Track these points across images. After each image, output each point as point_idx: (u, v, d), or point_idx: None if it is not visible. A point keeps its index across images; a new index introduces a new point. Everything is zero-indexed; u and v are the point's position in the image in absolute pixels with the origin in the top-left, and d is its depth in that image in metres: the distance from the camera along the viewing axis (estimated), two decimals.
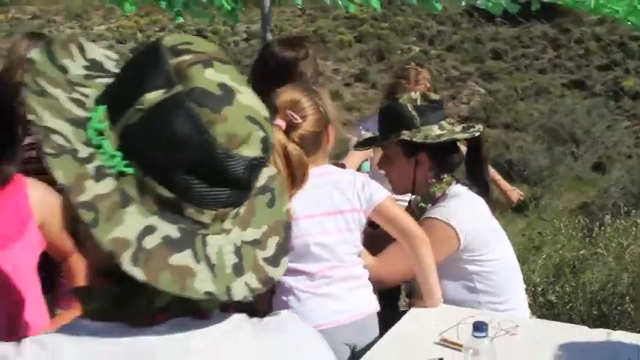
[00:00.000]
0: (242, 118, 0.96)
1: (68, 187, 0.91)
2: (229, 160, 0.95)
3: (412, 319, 2.61)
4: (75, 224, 1.04)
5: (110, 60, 1.11)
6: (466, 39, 33.18)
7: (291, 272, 2.40)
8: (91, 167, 0.93)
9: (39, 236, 1.84)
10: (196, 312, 1.02)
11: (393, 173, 2.99)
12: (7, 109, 1.66)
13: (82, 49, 1.09)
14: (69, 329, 0.97)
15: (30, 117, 0.94)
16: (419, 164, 2.90)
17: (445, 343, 2.35)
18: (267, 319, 1.17)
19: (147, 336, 0.97)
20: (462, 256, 2.80)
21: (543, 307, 5.11)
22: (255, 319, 1.12)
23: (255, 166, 1.00)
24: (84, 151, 0.94)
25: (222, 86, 0.96)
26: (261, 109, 1.01)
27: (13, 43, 3.21)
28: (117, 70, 1.09)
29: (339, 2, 4.74)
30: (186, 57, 0.97)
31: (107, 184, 0.93)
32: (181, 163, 0.93)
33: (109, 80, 1.05)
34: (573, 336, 2.45)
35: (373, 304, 2.58)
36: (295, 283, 2.44)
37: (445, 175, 2.91)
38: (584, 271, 5.27)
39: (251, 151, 0.97)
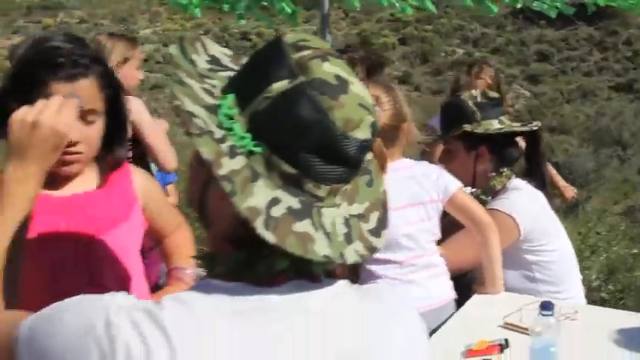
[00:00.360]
0: (355, 105, 1.12)
1: (209, 162, 1.07)
2: (345, 141, 1.10)
3: (475, 305, 2.74)
4: (203, 197, 1.20)
5: (226, 56, 1.28)
6: (511, 41, 33.02)
7: (380, 262, 2.56)
8: (225, 146, 1.09)
9: (142, 218, 2.01)
10: (309, 276, 1.17)
11: (454, 167, 3.11)
12: (118, 98, 1.84)
13: (204, 46, 1.26)
14: (201, 288, 1.13)
15: (176, 102, 1.12)
16: (479, 158, 3.03)
17: (509, 326, 2.47)
18: (366, 286, 1.33)
19: (269, 295, 1.12)
20: (522, 246, 2.93)
21: (596, 304, 5.17)
22: (355, 286, 1.27)
23: (365, 147, 1.15)
24: (218, 133, 1.10)
25: (338, 77, 1.11)
26: (369, 98, 1.16)
27: (98, 41, 3.47)
28: (232, 65, 1.25)
29: (396, 4, 4.88)
30: (306, 52, 1.12)
31: (239, 161, 1.08)
32: (304, 143, 1.08)
33: (230, 73, 1.22)
34: (631, 322, 2.54)
35: (451, 292, 2.73)
36: (384, 271, 2.60)
37: (505, 169, 3.03)
38: (635, 269, 5.33)
39: (362, 133, 1.12)
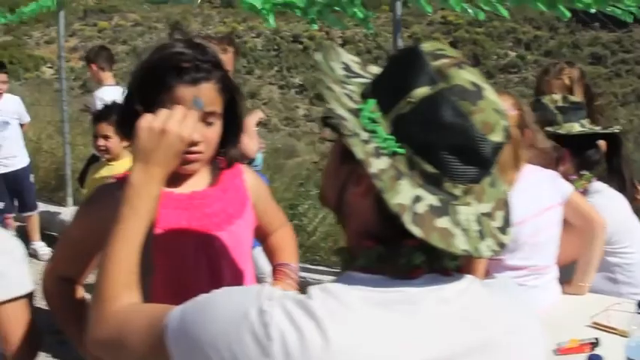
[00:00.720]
0: (491, 110, 1.20)
1: (362, 161, 1.17)
2: (482, 143, 1.19)
3: (561, 305, 2.79)
4: (342, 194, 1.30)
5: (355, 63, 1.38)
6: (564, 44, 32.67)
7: (509, 268, 2.64)
8: (371, 147, 1.18)
9: (253, 216, 2.11)
10: (442, 270, 1.26)
11: None
12: (235, 101, 1.92)
13: (337, 54, 1.36)
14: (344, 280, 1.22)
15: (328, 106, 1.22)
16: (561, 160, 3.08)
17: (597, 326, 2.52)
18: (488, 280, 1.42)
19: (409, 287, 1.21)
20: (604, 249, 2.97)
21: None
22: (481, 280, 1.36)
23: (498, 149, 1.23)
24: (364, 135, 1.19)
25: (474, 84, 1.20)
26: (501, 103, 1.25)
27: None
28: (361, 72, 1.35)
29: (469, 10, 4.92)
30: (444, 60, 1.21)
31: (384, 162, 1.17)
32: (445, 144, 1.17)
33: (362, 80, 1.32)
34: None
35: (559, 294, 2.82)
36: (512, 275, 2.66)
37: (585, 172, 3.08)
38: None
39: (497, 136, 1.20)
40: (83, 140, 8.78)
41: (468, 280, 1.30)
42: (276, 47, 40.30)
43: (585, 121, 3.12)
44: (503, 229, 1.28)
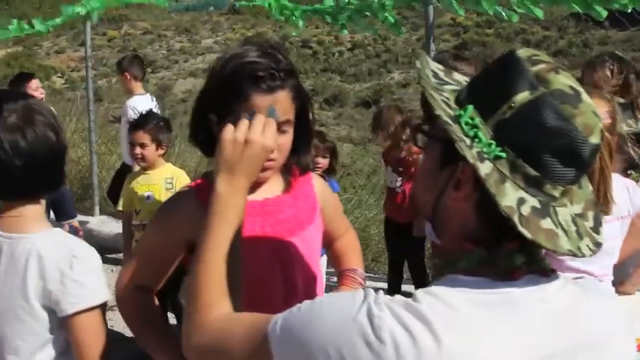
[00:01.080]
0: (590, 112, 1.24)
1: (473, 165, 1.20)
2: (583, 145, 1.22)
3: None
4: (440, 199, 1.33)
5: (440, 71, 1.42)
6: (573, 43, 32.60)
7: (570, 269, 2.64)
8: (474, 152, 1.22)
9: (321, 221, 2.13)
10: (540, 271, 1.29)
11: None
12: (306, 109, 1.95)
13: (427, 62, 1.41)
14: (447, 282, 1.25)
15: (436, 112, 1.26)
16: None
17: None
18: (577, 281, 1.45)
19: (511, 288, 1.24)
20: None
21: None
22: (574, 281, 1.39)
23: (596, 151, 1.27)
24: (467, 140, 1.23)
25: (572, 88, 1.24)
26: (596, 106, 1.28)
27: None
28: (448, 79, 1.40)
29: (503, 13, 4.96)
30: (542, 65, 1.25)
31: (487, 166, 1.21)
32: (548, 147, 1.21)
33: (452, 87, 1.36)
34: None
35: None
36: (570, 277, 2.69)
37: (632, 171, 3.11)
38: None
39: (595, 138, 1.24)
40: (107, 149, 8.86)
41: (563, 279, 1.33)
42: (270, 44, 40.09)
43: (631, 121, 3.15)
44: (596, 228, 1.32)
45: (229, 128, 1.59)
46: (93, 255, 2.02)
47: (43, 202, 2.07)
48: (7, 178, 1.94)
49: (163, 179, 4.73)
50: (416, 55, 1.40)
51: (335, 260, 2.32)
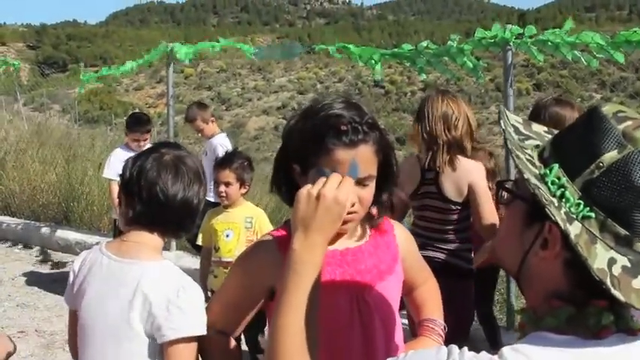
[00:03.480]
0: None
1: (563, 229, 1.21)
2: None
3: None
4: (526, 257, 1.35)
5: (519, 124, 1.44)
6: None
7: None
8: (562, 212, 1.24)
9: (401, 270, 2.12)
10: (628, 329, 1.29)
11: None
12: (389, 160, 1.90)
13: (508, 118, 1.43)
14: (535, 340, 1.26)
15: (525, 175, 1.27)
16: None
17: None
18: None
19: (598, 347, 1.24)
20: None
21: None
22: None
23: None
24: (555, 201, 1.25)
25: None
26: None
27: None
28: (527, 132, 1.42)
29: (582, 58, 4.94)
30: (629, 122, 1.26)
31: (577, 226, 1.23)
32: (638, 206, 1.21)
33: (533, 142, 1.38)
34: None
35: None
36: None
37: None
38: None
39: None
40: None
41: None
42: (357, 92, 40.67)
43: None
44: None
45: (306, 186, 1.61)
46: (199, 289, 2.11)
47: (165, 240, 2.23)
48: (149, 207, 2.11)
49: (243, 218, 4.81)
50: (499, 114, 1.43)
51: (414, 309, 2.30)
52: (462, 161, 3.89)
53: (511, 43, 5.18)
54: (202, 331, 2.03)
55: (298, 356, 1.48)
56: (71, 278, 2.25)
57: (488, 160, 4.58)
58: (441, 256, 3.94)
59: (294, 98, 37.55)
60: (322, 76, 42.05)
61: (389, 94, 38.75)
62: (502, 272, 5.61)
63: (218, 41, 7.94)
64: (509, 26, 5.22)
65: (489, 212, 3.82)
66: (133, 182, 2.11)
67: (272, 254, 1.93)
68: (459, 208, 3.96)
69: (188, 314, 2.02)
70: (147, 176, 2.09)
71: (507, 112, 1.45)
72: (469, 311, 4.20)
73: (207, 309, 2.15)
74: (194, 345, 2.04)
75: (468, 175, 3.88)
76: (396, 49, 5.44)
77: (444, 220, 3.99)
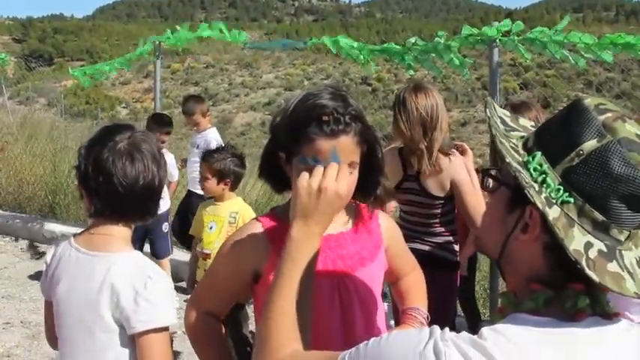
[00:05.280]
0: None
1: (541, 211, 1.27)
2: None
3: None
4: (507, 242, 1.39)
5: (506, 117, 1.49)
6: (636, 86, 32.07)
7: None
8: (543, 197, 1.28)
9: (385, 259, 2.17)
10: (603, 313, 1.34)
11: None
12: (373, 151, 1.94)
13: (495, 109, 1.48)
14: (514, 321, 1.30)
15: (507, 159, 1.33)
16: None
17: None
18: None
19: (573, 328, 1.29)
20: None
21: None
22: (636, 324, 1.43)
23: None
24: (535, 186, 1.30)
25: (638, 136, 1.28)
26: None
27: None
28: (514, 125, 1.46)
29: (570, 57, 5.00)
30: (609, 114, 1.30)
31: (555, 210, 1.28)
32: (615, 193, 1.26)
33: (518, 133, 1.43)
34: None
35: None
36: None
37: None
38: None
39: None
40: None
41: (627, 323, 1.38)
42: (345, 88, 40.49)
43: None
44: None
45: (304, 175, 1.65)
46: (166, 279, 2.13)
47: (132, 227, 2.20)
48: (111, 200, 2.07)
49: (228, 213, 4.82)
50: (485, 103, 1.48)
51: (398, 298, 2.34)
52: (443, 160, 3.92)
53: (497, 41, 5.22)
54: (171, 321, 2.06)
55: (287, 338, 1.52)
56: (44, 269, 2.26)
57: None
58: (427, 248, 3.99)
59: (281, 94, 37.57)
60: (310, 72, 42.07)
61: (376, 92, 38.82)
62: (486, 269, 5.66)
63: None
64: (495, 23, 5.26)
65: (475, 205, 3.87)
66: (89, 176, 2.07)
67: (258, 239, 2.00)
68: (442, 202, 4.01)
69: (156, 305, 2.03)
70: (103, 169, 2.05)
71: (495, 104, 1.50)
72: (453, 303, 4.24)
73: (195, 291, 2.21)
74: (165, 334, 2.06)
75: (449, 172, 3.92)
76: (384, 45, 5.47)
77: (429, 214, 4.04)
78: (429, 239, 4.03)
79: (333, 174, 1.64)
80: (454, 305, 4.32)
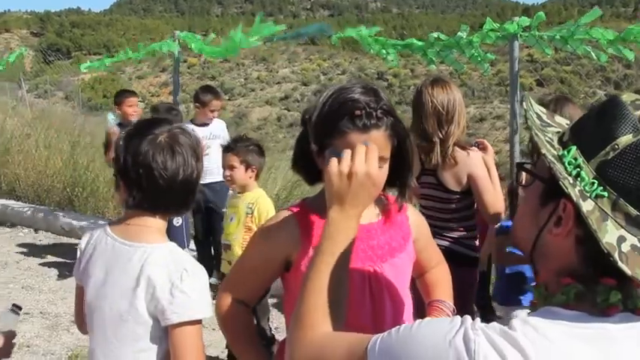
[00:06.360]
0: None
1: (575, 202, 1.27)
2: None
3: None
4: (540, 234, 1.40)
5: (543, 113, 1.50)
6: None
7: None
8: (577, 190, 1.29)
9: (414, 251, 2.21)
10: (634, 309, 1.34)
11: None
12: (403, 145, 1.98)
13: (532, 104, 1.48)
14: (544, 314, 1.31)
15: (542, 151, 1.33)
16: None
17: None
18: None
19: (606, 324, 1.29)
20: None
21: None
22: None
23: None
24: (570, 179, 1.30)
25: None
26: None
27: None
28: (549, 121, 1.47)
29: (592, 52, 4.98)
30: None
31: (589, 204, 1.28)
32: None
33: (554, 129, 1.44)
34: None
35: None
36: None
37: None
38: None
39: None
40: None
41: None
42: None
43: None
44: None
45: (334, 162, 1.68)
46: (203, 272, 2.14)
47: (167, 219, 2.23)
48: (150, 192, 2.10)
49: (246, 204, 4.81)
50: (522, 98, 1.48)
51: (424, 291, 2.38)
52: (459, 153, 3.91)
53: (519, 36, 5.20)
54: (206, 313, 2.09)
55: (321, 316, 1.55)
56: (78, 255, 2.29)
57: None
58: (446, 243, 3.97)
59: (297, 89, 37.57)
60: (326, 67, 42.05)
61: (392, 87, 38.82)
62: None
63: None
64: (516, 18, 5.25)
65: (493, 201, 3.86)
66: (129, 169, 2.09)
67: (291, 227, 2.04)
68: (460, 197, 4.00)
69: (192, 298, 2.05)
70: (143, 162, 2.06)
71: (532, 100, 1.52)
72: (472, 298, 4.24)
73: (227, 278, 2.25)
74: (198, 327, 2.08)
75: (466, 166, 3.91)
76: (407, 40, 5.48)
77: (446, 209, 4.04)
78: (448, 234, 4.02)
79: (362, 156, 1.67)
80: (473, 301, 4.32)
